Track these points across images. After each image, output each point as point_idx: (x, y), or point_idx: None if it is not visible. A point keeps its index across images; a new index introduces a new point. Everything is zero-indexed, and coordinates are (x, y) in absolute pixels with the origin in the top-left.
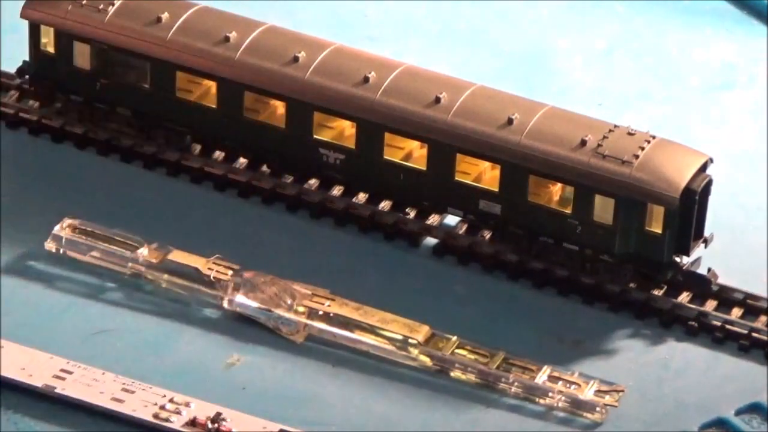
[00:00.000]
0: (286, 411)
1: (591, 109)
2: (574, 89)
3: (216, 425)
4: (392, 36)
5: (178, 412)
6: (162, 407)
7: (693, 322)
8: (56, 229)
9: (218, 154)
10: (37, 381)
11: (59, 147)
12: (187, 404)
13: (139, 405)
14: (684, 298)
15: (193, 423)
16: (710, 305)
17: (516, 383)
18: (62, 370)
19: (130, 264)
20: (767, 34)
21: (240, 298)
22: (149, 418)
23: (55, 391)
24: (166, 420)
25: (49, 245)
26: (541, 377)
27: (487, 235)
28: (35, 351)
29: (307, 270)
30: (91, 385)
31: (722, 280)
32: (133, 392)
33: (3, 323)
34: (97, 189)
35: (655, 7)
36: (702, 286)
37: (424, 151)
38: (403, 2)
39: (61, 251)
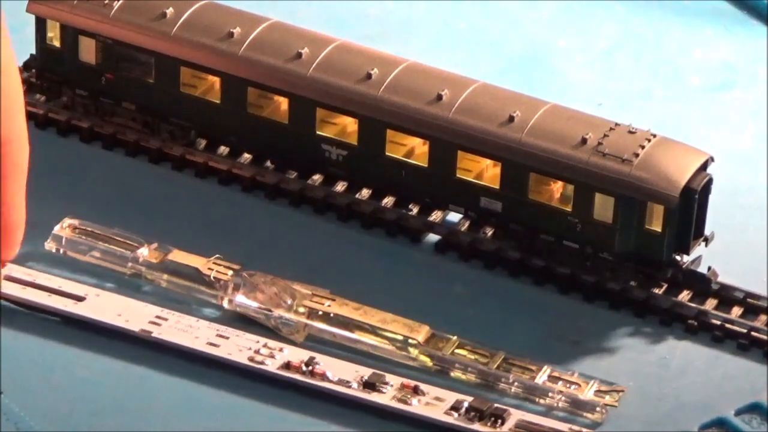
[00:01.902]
0: None
1: (591, 110)
2: (574, 89)
3: (310, 368)
4: (393, 36)
5: (272, 356)
6: (256, 351)
7: (693, 321)
8: (56, 229)
9: (223, 149)
10: (134, 326)
11: (65, 140)
12: (280, 349)
13: (234, 349)
14: (684, 296)
15: (287, 366)
16: (710, 304)
17: (516, 383)
18: (158, 317)
19: (130, 264)
20: (767, 34)
21: (240, 298)
22: (245, 361)
23: (152, 335)
24: (261, 363)
25: (49, 245)
26: (541, 377)
27: (489, 232)
28: (129, 299)
29: (309, 265)
30: (186, 331)
31: (722, 278)
32: (227, 338)
33: None
34: (102, 182)
35: (655, 7)
36: (702, 284)
37: (426, 148)
38: (404, 2)
39: (61, 251)
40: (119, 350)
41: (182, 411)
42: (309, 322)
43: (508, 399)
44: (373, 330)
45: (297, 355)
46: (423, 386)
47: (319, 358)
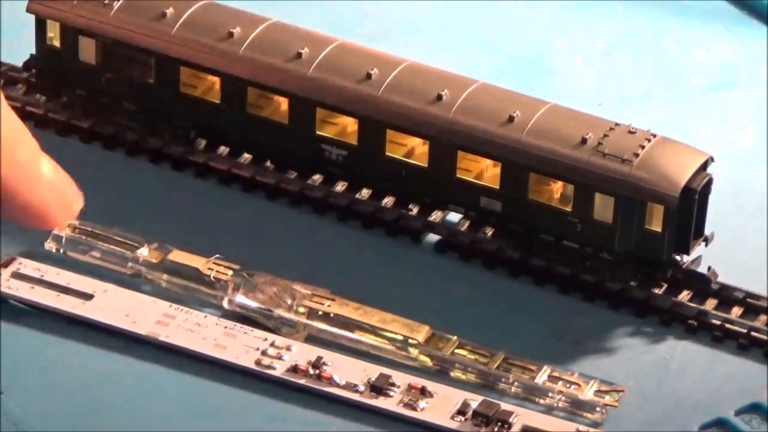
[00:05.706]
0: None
1: (591, 110)
2: (574, 89)
3: (317, 371)
4: (393, 36)
5: (280, 357)
6: (264, 352)
7: (693, 321)
8: (56, 229)
9: (223, 149)
10: (141, 328)
11: (65, 141)
12: (288, 348)
13: (242, 351)
14: (684, 296)
15: (294, 369)
16: (710, 304)
17: (516, 383)
18: (165, 315)
19: (130, 264)
20: (767, 34)
21: (240, 298)
22: (251, 365)
23: (159, 338)
24: (269, 366)
25: (49, 245)
26: (541, 377)
27: (489, 232)
28: (137, 294)
29: (309, 265)
30: (194, 331)
31: (722, 278)
32: (234, 336)
33: None
34: (102, 183)
35: (655, 7)
36: (702, 284)
37: (426, 148)
38: (404, 2)
39: (61, 251)
40: (122, 348)
41: (184, 411)
42: (309, 322)
43: (509, 399)
44: (373, 330)
45: (304, 354)
46: (430, 386)
47: (327, 356)
